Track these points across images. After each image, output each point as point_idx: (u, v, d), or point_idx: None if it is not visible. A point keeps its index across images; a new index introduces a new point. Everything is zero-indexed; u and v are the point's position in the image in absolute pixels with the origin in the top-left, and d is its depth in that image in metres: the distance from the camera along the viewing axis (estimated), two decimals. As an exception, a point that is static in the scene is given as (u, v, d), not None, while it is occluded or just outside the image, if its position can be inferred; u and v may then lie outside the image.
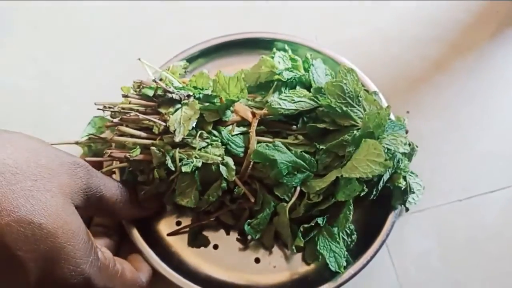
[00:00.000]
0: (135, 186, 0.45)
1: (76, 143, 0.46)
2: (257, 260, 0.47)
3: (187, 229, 0.48)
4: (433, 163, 0.52)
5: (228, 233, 0.48)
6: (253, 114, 0.46)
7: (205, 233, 0.48)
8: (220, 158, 0.43)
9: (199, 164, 0.43)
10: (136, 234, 0.46)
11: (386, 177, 0.43)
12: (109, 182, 0.41)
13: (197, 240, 0.48)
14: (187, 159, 0.43)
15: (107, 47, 0.59)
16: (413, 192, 0.47)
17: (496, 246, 0.49)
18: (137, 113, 0.44)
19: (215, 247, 0.48)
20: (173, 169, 0.43)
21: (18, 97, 0.56)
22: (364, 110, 0.45)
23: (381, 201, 0.46)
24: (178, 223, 0.49)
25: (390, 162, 0.40)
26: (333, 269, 0.43)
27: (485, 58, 0.57)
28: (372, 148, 0.40)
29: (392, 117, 0.49)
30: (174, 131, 0.43)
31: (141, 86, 0.47)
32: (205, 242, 0.48)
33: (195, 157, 0.43)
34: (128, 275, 0.40)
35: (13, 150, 0.33)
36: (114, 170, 0.47)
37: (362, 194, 0.42)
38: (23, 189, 0.31)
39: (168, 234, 0.48)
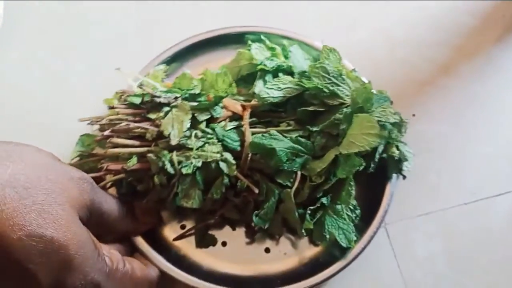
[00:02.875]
0: (133, 202, 0.45)
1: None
2: (267, 250, 0.48)
3: (193, 231, 0.48)
4: (439, 166, 0.52)
5: (234, 229, 0.48)
6: (243, 107, 0.46)
7: (211, 232, 0.48)
8: (219, 155, 0.43)
9: (199, 164, 0.43)
10: (142, 243, 0.46)
11: (380, 148, 0.45)
12: (109, 198, 0.42)
13: (204, 240, 0.48)
14: (186, 160, 0.43)
15: (114, 47, 0.59)
16: (406, 160, 0.49)
17: (503, 250, 0.49)
18: (127, 123, 0.43)
19: (224, 244, 0.48)
20: (173, 172, 0.42)
21: (24, 98, 0.56)
22: (349, 87, 0.46)
23: (377, 174, 0.47)
24: (183, 227, 0.48)
25: (385, 132, 0.41)
26: (344, 245, 0.44)
27: (491, 61, 0.56)
28: (365, 122, 0.41)
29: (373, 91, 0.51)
30: (169, 134, 0.42)
31: (124, 96, 0.46)
32: (212, 241, 0.48)
33: (194, 158, 0.43)
34: (138, 273, 0.40)
35: (25, 165, 0.34)
36: (110, 184, 0.46)
37: (361, 168, 0.43)
38: (35, 203, 0.32)
39: (174, 239, 0.48)
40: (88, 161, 0.47)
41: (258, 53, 0.51)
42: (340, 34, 0.51)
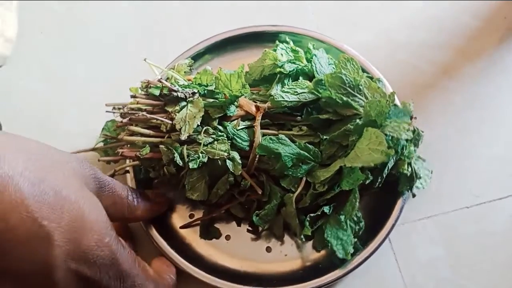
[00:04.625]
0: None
1: (93, 149, 0.48)
2: (268, 249, 0.49)
3: (199, 221, 0.49)
4: (441, 169, 0.51)
5: (239, 225, 0.50)
6: (257, 108, 0.46)
7: (216, 225, 0.50)
8: (226, 153, 0.44)
9: (205, 160, 0.44)
10: (150, 227, 0.48)
11: (390, 164, 0.44)
12: (115, 180, 0.42)
13: (208, 232, 0.49)
14: (194, 155, 0.44)
15: (114, 48, 0.60)
16: (420, 178, 0.47)
17: (505, 254, 0.48)
18: (144, 113, 0.45)
19: (227, 238, 0.49)
20: (182, 165, 0.44)
21: (26, 100, 0.57)
22: (366, 98, 0.45)
23: (389, 187, 0.47)
24: (191, 216, 0.50)
25: (392, 150, 0.41)
26: (340, 256, 0.44)
27: (493, 63, 0.56)
28: (374, 137, 0.41)
29: (398, 103, 0.49)
30: (180, 129, 0.44)
31: (148, 86, 0.48)
32: (216, 234, 0.49)
33: (201, 153, 0.44)
34: (150, 271, 0.41)
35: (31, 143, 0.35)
36: (128, 169, 0.49)
37: (367, 182, 0.43)
38: (44, 168, 0.33)
39: (181, 227, 0.50)
40: (111, 146, 0.50)
41: (283, 54, 0.51)
42: (341, 36, 0.51)
